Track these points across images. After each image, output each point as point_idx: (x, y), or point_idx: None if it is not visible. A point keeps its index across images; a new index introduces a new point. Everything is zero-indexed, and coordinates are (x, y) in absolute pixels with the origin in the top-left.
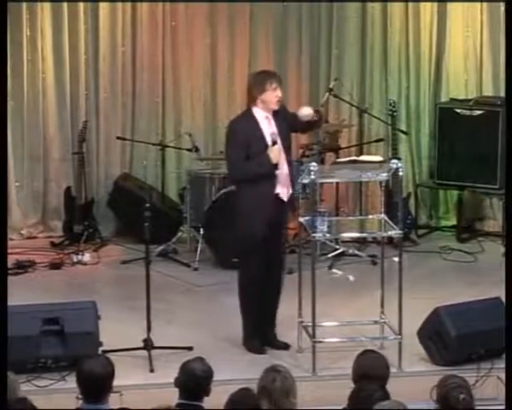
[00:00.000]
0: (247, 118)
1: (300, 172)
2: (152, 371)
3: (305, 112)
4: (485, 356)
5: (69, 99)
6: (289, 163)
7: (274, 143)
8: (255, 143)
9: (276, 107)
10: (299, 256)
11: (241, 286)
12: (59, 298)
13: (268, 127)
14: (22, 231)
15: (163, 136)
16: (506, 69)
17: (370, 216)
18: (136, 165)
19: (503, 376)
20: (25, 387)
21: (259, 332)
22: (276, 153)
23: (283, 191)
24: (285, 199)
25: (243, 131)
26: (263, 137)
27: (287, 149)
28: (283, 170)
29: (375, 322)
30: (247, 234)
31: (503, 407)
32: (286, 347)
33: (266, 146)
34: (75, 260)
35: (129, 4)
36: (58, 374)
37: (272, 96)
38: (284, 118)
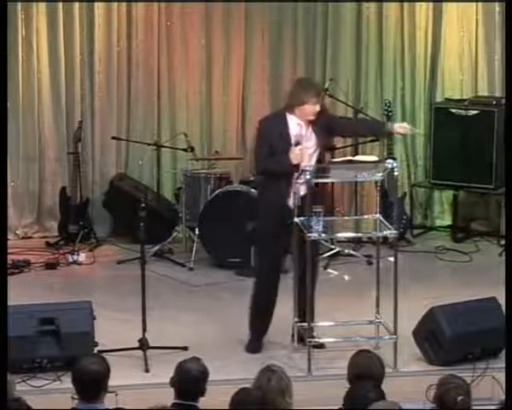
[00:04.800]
0: (278, 117)
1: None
2: (147, 371)
3: (401, 130)
4: (480, 356)
5: (64, 99)
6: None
7: (297, 143)
8: (280, 142)
9: (311, 118)
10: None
11: (254, 285)
12: (54, 298)
13: (296, 129)
14: (17, 231)
15: (158, 136)
16: (506, 68)
17: (365, 216)
18: (131, 165)
19: (498, 376)
20: (20, 387)
21: (260, 336)
22: (297, 154)
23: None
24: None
25: (269, 129)
26: (287, 137)
27: (313, 155)
28: None
29: (371, 322)
30: (260, 232)
31: (498, 407)
32: (321, 346)
33: (290, 146)
34: (70, 260)
35: (124, 4)
36: (53, 374)
37: (310, 109)
38: (325, 125)
